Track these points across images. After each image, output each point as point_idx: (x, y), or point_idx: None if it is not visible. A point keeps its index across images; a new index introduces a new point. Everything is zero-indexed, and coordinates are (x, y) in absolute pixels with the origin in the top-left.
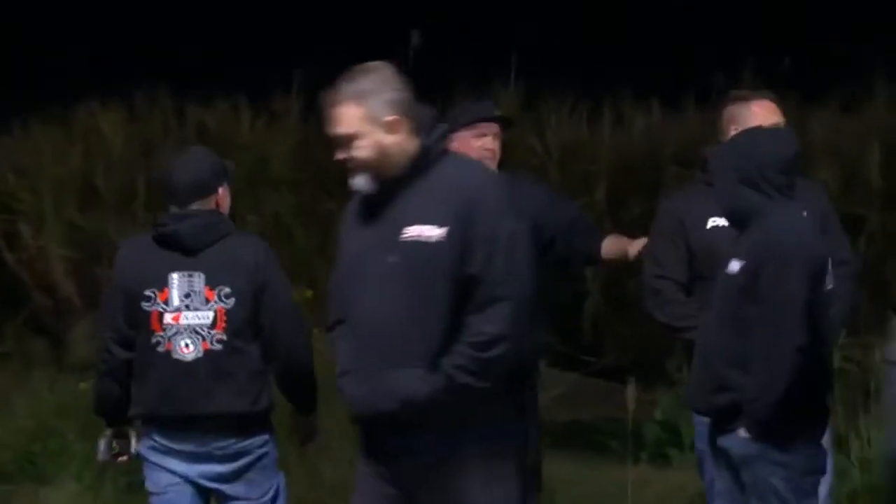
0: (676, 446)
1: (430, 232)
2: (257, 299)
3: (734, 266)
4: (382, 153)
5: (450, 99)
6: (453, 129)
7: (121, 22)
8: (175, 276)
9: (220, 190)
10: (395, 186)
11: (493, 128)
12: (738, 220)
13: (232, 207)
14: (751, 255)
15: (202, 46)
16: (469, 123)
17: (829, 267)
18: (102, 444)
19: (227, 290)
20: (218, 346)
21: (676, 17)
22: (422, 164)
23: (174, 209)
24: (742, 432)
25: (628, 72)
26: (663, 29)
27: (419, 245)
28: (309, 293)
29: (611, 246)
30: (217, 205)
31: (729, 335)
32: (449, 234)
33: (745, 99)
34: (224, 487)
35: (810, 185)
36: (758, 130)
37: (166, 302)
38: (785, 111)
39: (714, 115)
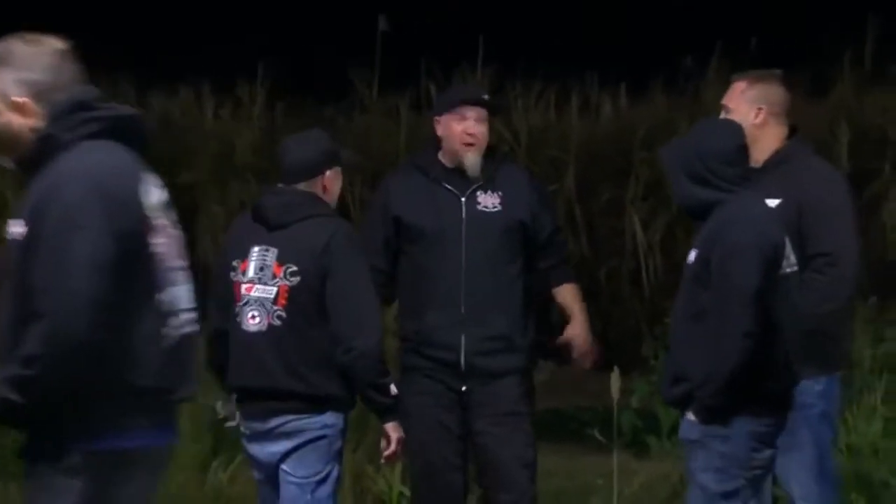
0: (654, 433)
1: (15, 228)
2: (323, 283)
3: (691, 256)
4: (11, 135)
5: (416, 83)
6: (439, 113)
7: (80, 10)
8: (255, 250)
9: (328, 173)
10: (26, 174)
11: (476, 111)
12: (697, 215)
13: (329, 192)
14: (702, 244)
15: (164, 34)
16: (451, 107)
17: (786, 252)
18: (219, 405)
19: (294, 268)
20: (278, 322)
21: (643, 1)
22: (42, 152)
23: (280, 186)
24: (689, 416)
25: (595, 56)
26: (629, 13)
27: (11, 243)
28: None
29: (566, 299)
30: (324, 188)
31: (687, 324)
32: (27, 233)
33: (771, 78)
34: (282, 465)
35: (805, 176)
36: (702, 124)
37: (244, 273)
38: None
39: (683, 99)
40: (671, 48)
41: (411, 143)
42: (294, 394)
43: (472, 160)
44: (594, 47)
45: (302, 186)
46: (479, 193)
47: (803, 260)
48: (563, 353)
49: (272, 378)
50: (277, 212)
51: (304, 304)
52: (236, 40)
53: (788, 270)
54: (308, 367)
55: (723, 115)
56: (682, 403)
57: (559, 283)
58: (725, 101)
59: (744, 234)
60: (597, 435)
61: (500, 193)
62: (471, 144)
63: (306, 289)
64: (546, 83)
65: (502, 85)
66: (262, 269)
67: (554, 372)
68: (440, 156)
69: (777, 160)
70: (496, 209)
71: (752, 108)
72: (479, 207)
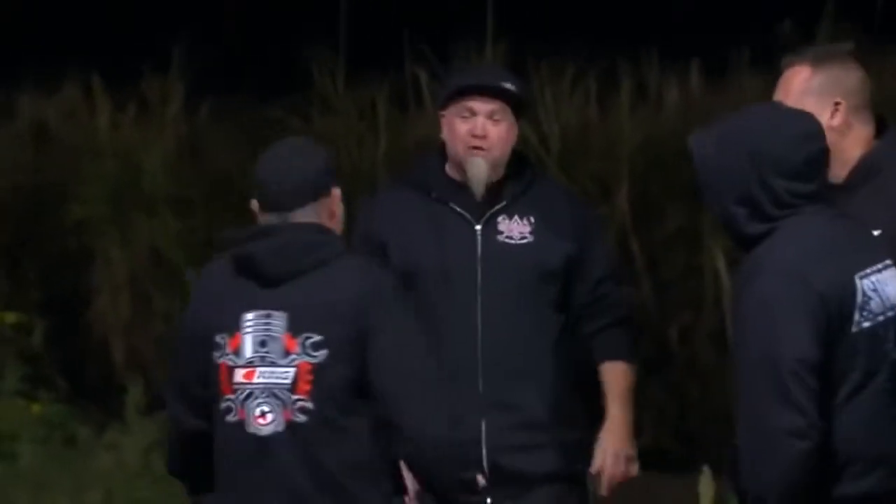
0: None
1: None
2: (363, 352)
3: None
4: None
5: (399, 69)
6: (442, 107)
7: None
8: (250, 317)
9: (336, 191)
10: None
11: (489, 104)
12: (745, 244)
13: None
14: (735, 298)
15: (39, 9)
16: (453, 97)
17: (866, 297)
18: None
19: (318, 338)
20: (302, 418)
21: None
22: None
23: (268, 218)
24: None
25: (652, 24)
26: None
27: None
28: None
29: (608, 385)
30: (332, 213)
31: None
32: None
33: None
34: None
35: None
36: (763, 111)
37: (237, 352)
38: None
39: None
40: (763, 9)
41: (393, 153)
42: None
43: (476, 169)
44: (652, 10)
45: (300, 216)
46: (500, 219)
47: None
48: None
49: (298, 497)
50: (277, 258)
51: (337, 386)
52: (142, 16)
53: (891, 315)
54: (353, 475)
55: None
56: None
57: (604, 359)
58: (780, 95)
59: (769, 279)
60: None
61: (530, 219)
62: (478, 149)
63: (339, 364)
64: (584, 64)
65: (521, 68)
66: (263, 343)
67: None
68: (447, 167)
69: (865, 172)
70: (525, 240)
71: (824, 104)
72: (502, 238)
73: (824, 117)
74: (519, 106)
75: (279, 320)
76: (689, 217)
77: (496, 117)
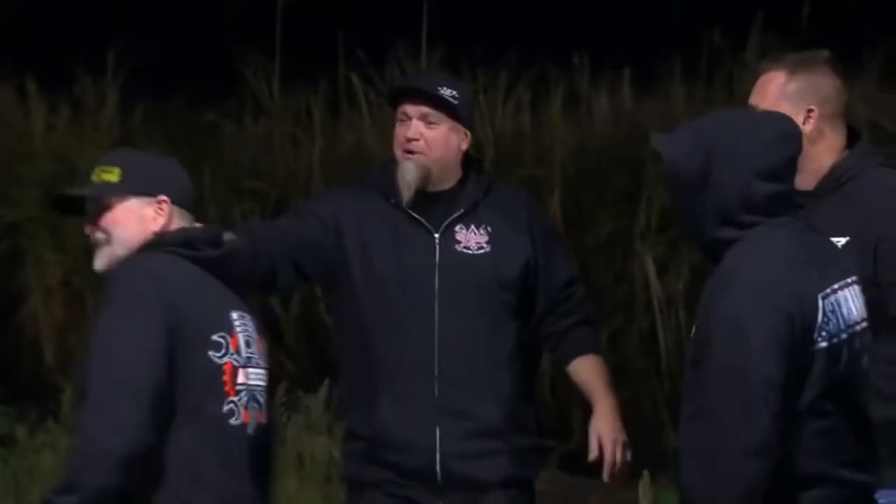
0: None
1: None
2: None
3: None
4: None
5: (333, 73)
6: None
7: None
8: (235, 317)
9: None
10: None
11: (421, 108)
12: (713, 255)
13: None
14: (700, 309)
15: None
16: (391, 102)
17: (830, 311)
18: None
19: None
20: (265, 420)
21: None
22: None
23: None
24: None
25: (586, 32)
26: None
27: None
28: None
29: (589, 378)
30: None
31: (686, 427)
32: None
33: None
34: None
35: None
36: (741, 115)
37: (238, 351)
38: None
39: (709, 90)
40: (692, 20)
41: (329, 158)
42: None
43: (404, 172)
44: (584, 19)
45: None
46: (458, 228)
47: (882, 320)
48: (587, 462)
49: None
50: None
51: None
52: (76, 18)
53: (844, 337)
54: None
55: None
56: None
57: (577, 355)
58: (755, 99)
59: (739, 296)
60: None
61: (488, 228)
62: (410, 153)
63: None
64: (517, 71)
65: (456, 75)
66: (248, 345)
67: (558, 481)
68: None
69: (835, 180)
70: (482, 251)
71: (797, 110)
72: (459, 248)
73: (797, 123)
74: (450, 109)
75: (251, 322)
76: (619, 223)
77: (430, 120)
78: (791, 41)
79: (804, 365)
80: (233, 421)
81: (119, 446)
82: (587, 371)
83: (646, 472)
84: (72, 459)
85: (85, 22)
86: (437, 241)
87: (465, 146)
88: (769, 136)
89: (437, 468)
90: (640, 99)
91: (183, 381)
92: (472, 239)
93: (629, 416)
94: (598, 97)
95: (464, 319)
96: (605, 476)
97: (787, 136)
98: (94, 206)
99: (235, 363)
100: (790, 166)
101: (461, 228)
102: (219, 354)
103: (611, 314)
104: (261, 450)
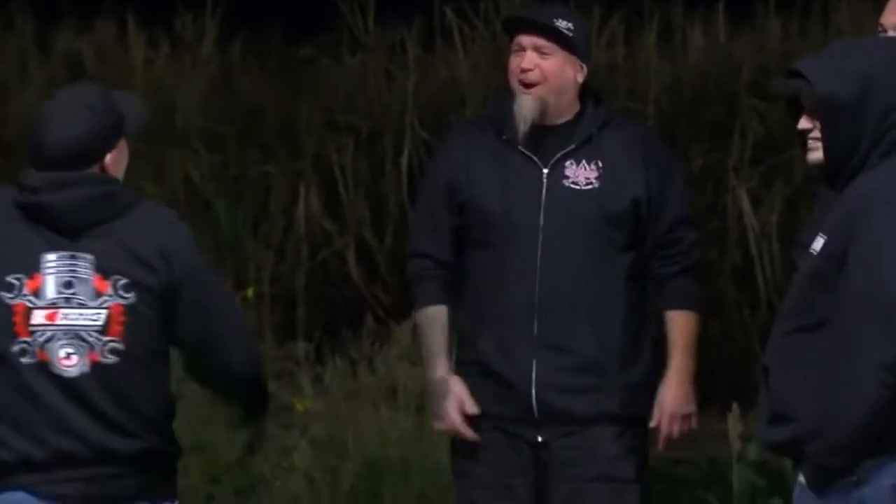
0: (781, 495)
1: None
2: (171, 299)
3: (816, 243)
4: None
5: (428, 8)
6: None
7: None
8: (52, 259)
9: (110, 154)
10: None
11: (535, 39)
12: (831, 180)
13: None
14: (833, 229)
15: None
16: (507, 33)
17: None
18: None
19: (125, 280)
20: (112, 359)
21: None
22: None
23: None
24: (801, 478)
25: None
26: None
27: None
28: (249, 291)
29: (673, 335)
30: (103, 169)
31: (797, 339)
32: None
33: None
34: None
35: None
36: (874, 42)
37: (36, 293)
38: None
39: (806, 23)
40: None
41: (422, 93)
42: (145, 454)
43: (521, 107)
44: None
45: (73, 174)
46: (568, 163)
47: None
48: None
49: (108, 437)
50: (76, 210)
51: (146, 327)
52: None
53: None
54: (160, 413)
55: None
56: (790, 451)
57: (670, 308)
58: (885, 17)
59: (887, 218)
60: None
61: (598, 163)
62: (527, 85)
63: (147, 308)
64: (611, 5)
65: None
66: (68, 284)
67: None
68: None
69: None
70: (590, 186)
71: None
72: (567, 184)
73: None
74: (566, 41)
75: (86, 262)
76: (713, 157)
77: (545, 51)
78: None
79: None
80: (24, 360)
81: None
82: (673, 329)
83: (735, 406)
84: None
85: None
86: (545, 176)
87: (580, 79)
88: None
89: (534, 401)
90: (733, 33)
91: None
92: (581, 174)
93: (721, 350)
94: (692, 31)
95: (567, 255)
96: (660, 446)
97: None
98: None
99: (29, 304)
100: None
101: (571, 164)
102: (10, 295)
103: (704, 247)
104: (101, 388)
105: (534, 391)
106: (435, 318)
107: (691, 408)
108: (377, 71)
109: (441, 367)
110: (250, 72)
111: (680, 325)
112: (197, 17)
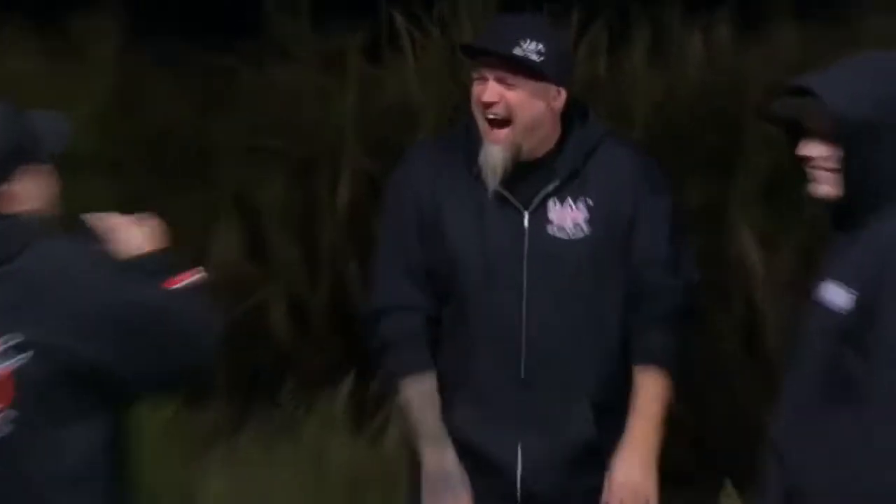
0: None
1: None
2: (87, 344)
3: (831, 294)
4: None
5: (373, 15)
6: None
7: None
8: None
9: (12, 183)
10: None
11: (495, 70)
12: (846, 220)
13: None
14: (860, 277)
15: None
16: (469, 58)
17: None
18: None
19: (19, 338)
20: (5, 430)
21: None
22: None
23: None
24: None
25: None
26: None
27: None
28: None
29: (637, 397)
30: (8, 200)
31: (818, 409)
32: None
33: None
34: None
35: None
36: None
37: None
38: None
39: (826, 30)
40: None
41: (365, 113)
42: None
43: (488, 157)
44: None
45: None
46: (551, 203)
47: None
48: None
49: None
50: None
51: (47, 388)
52: None
53: None
54: (71, 492)
55: None
56: None
57: (639, 362)
58: None
59: None
60: None
61: (588, 201)
62: (494, 123)
63: (48, 363)
64: (593, 6)
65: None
66: None
67: None
68: None
69: None
70: (577, 236)
71: None
72: (552, 231)
73: None
74: (537, 71)
75: None
76: (715, 189)
77: (509, 82)
78: None
79: None
80: None
81: None
82: (639, 387)
83: (728, 482)
84: None
85: None
86: (526, 221)
87: (559, 105)
88: None
89: (517, 488)
90: (740, 42)
91: None
92: (567, 217)
93: (722, 421)
94: (690, 39)
95: (555, 314)
96: None
97: None
98: None
99: None
100: None
101: (555, 204)
102: None
103: (697, 296)
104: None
105: (518, 473)
106: (429, 391)
107: (648, 485)
108: (311, 86)
109: (448, 459)
110: (157, 84)
111: (647, 385)
112: (93, 16)
